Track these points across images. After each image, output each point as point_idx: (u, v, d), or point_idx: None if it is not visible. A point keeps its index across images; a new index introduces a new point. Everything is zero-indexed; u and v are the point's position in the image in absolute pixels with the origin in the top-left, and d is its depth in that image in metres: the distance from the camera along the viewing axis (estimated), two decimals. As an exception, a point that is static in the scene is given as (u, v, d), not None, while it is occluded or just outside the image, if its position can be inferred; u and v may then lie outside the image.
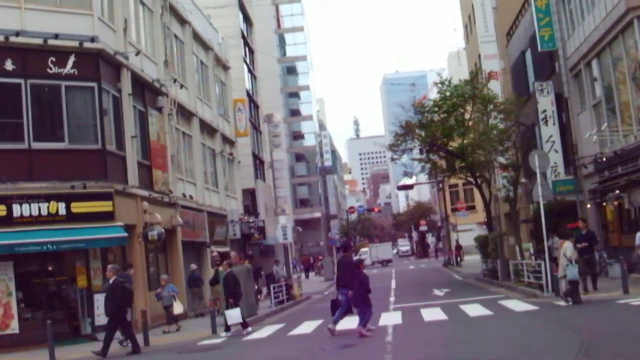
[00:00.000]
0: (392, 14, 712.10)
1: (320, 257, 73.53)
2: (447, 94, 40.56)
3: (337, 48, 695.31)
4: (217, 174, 44.58)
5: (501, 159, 40.10)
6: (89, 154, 27.14)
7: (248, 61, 63.46)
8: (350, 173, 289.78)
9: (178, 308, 27.46)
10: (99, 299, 26.10)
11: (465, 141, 39.44)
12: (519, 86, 44.00)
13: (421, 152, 45.68)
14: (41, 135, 26.34)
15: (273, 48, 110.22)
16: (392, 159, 43.70)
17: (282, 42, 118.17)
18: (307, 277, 76.39)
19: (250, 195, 56.68)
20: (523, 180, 39.74)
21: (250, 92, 62.42)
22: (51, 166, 26.20)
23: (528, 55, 41.90)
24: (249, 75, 63.16)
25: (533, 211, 39.86)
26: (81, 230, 25.81)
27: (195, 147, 39.71)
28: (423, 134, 41.49)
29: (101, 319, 26.01)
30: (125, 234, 26.71)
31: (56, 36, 26.29)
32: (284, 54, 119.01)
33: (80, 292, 26.92)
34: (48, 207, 25.58)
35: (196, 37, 42.47)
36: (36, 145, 25.98)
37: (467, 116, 41.23)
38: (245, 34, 63.97)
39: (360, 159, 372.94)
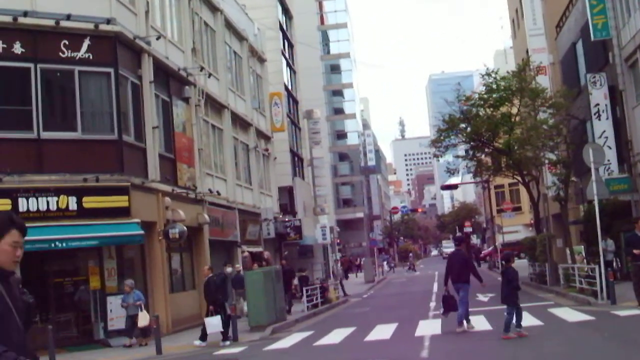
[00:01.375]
0: (438, 12, 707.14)
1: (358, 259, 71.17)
2: (494, 86, 38.08)
3: (382, 47, 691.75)
4: (250, 170, 42.48)
5: (551, 156, 37.47)
6: (104, 145, 25.14)
7: (287, 55, 61.25)
8: (395, 174, 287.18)
9: (144, 319, 23.55)
10: (113, 302, 24.18)
11: (512, 136, 36.92)
12: (569, 80, 41.42)
13: (466, 152, 43.24)
14: (52, 124, 24.41)
15: (316, 44, 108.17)
16: (435, 156, 41.37)
17: (325, 39, 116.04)
18: (346, 278, 74.15)
19: (287, 193, 54.47)
20: (573, 179, 37.17)
21: (289, 87, 60.24)
22: (62, 158, 24.27)
23: (579, 47, 39.34)
24: (288, 69, 60.94)
25: (584, 212, 37.26)
26: (93, 226, 23.83)
27: (226, 141, 37.63)
28: (468, 129, 39.03)
29: (114, 323, 24.20)
30: (142, 232, 24.64)
31: (68, 17, 24.25)
32: (328, 52, 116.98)
33: (93, 294, 24.85)
34: (57, 202, 23.60)
35: (229, 26, 40.41)
36: (46, 134, 24.02)
37: (514, 111, 38.78)
38: (285, 27, 61.75)
39: (406, 159, 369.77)
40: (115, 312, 24.12)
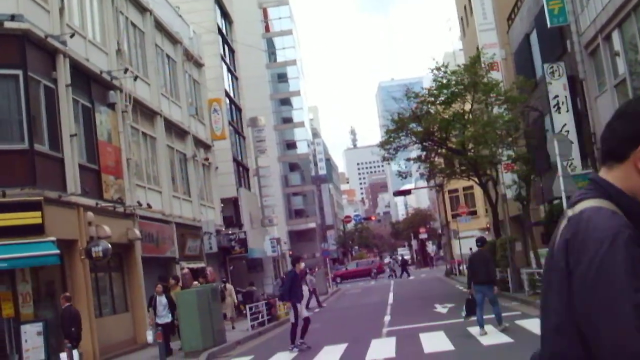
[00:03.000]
0: (381, 21, 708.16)
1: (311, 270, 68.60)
2: (444, 81, 35.93)
3: (329, 57, 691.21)
4: (189, 181, 39.84)
5: (509, 153, 35.31)
6: (13, 155, 22.38)
7: (228, 60, 58.69)
8: (347, 183, 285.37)
9: None
10: (28, 331, 21.34)
11: (466, 134, 34.76)
12: (524, 73, 39.16)
13: (418, 157, 41.05)
14: (-49, 133, 21.65)
15: (260, 53, 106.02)
16: (385, 159, 38.97)
17: (271, 47, 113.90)
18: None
19: (232, 205, 51.87)
20: (532, 178, 35.08)
21: (231, 94, 57.66)
22: (-36, 171, 21.51)
23: (533, 38, 37.28)
24: (229, 75, 58.37)
25: (545, 212, 35.18)
26: (1, 247, 21.03)
27: (160, 150, 35.01)
28: (418, 128, 36.83)
29: (30, 355, 21.26)
30: (58, 251, 21.89)
31: (-36, 13, 21.59)
32: (275, 60, 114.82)
33: (7, 323, 22.02)
34: (-41, 221, 20.84)
35: (160, 27, 37.80)
36: (-56, 145, 21.29)
37: (467, 107, 36.69)
38: (224, 31, 59.19)
39: (359, 168, 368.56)
40: (32, 342, 21.26)
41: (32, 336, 21.19)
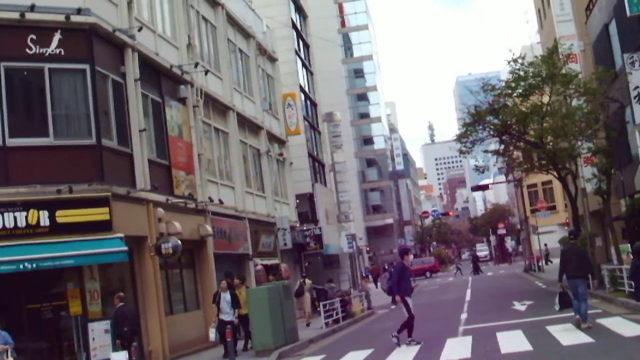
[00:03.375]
0: (459, 15, 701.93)
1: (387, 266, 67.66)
2: (521, 73, 34.76)
3: (406, 52, 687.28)
4: (262, 177, 39.37)
5: (589, 145, 34.01)
6: (81, 151, 22.09)
7: (302, 55, 58.13)
8: (425, 178, 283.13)
9: None
10: (96, 329, 21.04)
11: (544, 125, 33.57)
12: (603, 65, 37.88)
13: (497, 151, 39.87)
14: (19, 129, 21.41)
15: (336, 48, 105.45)
16: (461, 152, 37.95)
17: (346, 42, 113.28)
18: (376, 286, 71.03)
19: (307, 200, 51.30)
20: (612, 171, 33.71)
21: (306, 89, 57.08)
22: (32, 167, 21.29)
23: (612, 28, 35.83)
24: (304, 70, 57.78)
25: (626, 206, 33.80)
26: (68, 244, 20.78)
27: (232, 145, 34.57)
28: (495, 121, 35.74)
29: (98, 353, 20.96)
30: (125, 248, 21.49)
31: (32, 8, 21.34)
32: (351, 55, 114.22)
33: (75, 320, 21.72)
34: (27, 217, 20.60)
35: (232, 22, 37.39)
36: (13, 141, 21.06)
37: (545, 100, 35.48)
38: (299, 26, 58.64)
39: (436, 164, 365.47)
40: (99, 341, 20.95)
41: (99, 334, 20.93)
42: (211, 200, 29.26)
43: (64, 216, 21.08)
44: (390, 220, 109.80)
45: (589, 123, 32.82)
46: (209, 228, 28.72)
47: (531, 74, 34.49)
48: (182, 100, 28.98)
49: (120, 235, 21.77)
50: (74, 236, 21.03)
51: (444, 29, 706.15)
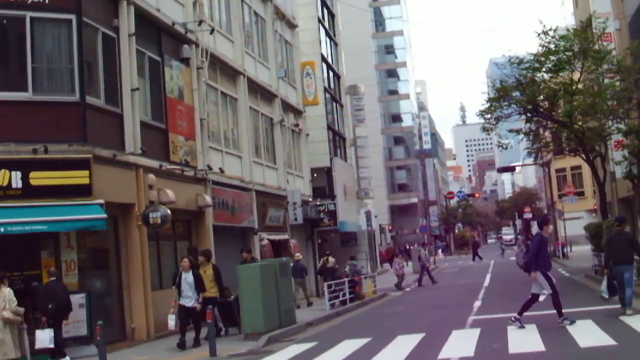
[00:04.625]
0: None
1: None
2: (552, 47, 32.55)
3: (440, 33, 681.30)
4: (275, 147, 37.39)
5: (620, 126, 31.75)
6: (62, 108, 20.22)
7: (327, 25, 55.87)
8: (454, 159, 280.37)
9: None
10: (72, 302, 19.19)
11: (574, 103, 31.37)
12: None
13: (526, 132, 37.73)
14: (-6, 81, 19.60)
15: (366, 23, 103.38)
16: (484, 129, 35.86)
17: (378, 16, 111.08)
18: (391, 267, 69.34)
19: (325, 175, 49.25)
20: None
21: (329, 59, 54.85)
22: (7, 123, 19.46)
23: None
24: (328, 39, 55.48)
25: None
26: (42, 208, 19.01)
27: (241, 112, 32.60)
28: (522, 97, 33.58)
29: (71, 329, 19.20)
30: (104, 215, 19.63)
31: (11, -52, 19.45)
32: (383, 29, 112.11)
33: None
34: (-3, 178, 18.82)
35: (247, -18, 35.32)
36: (-14, 95, 19.25)
37: (575, 77, 33.30)
38: (323, -8, 56.24)
39: (467, 145, 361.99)
40: (73, 315, 19.15)
41: (73, 308, 19.06)
42: (210, 168, 27.26)
43: (39, 178, 19.29)
44: (415, 200, 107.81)
45: (621, 102, 30.61)
46: (207, 198, 26.83)
47: (562, 48, 32.30)
48: (185, 61, 27.02)
49: (101, 201, 19.93)
50: (49, 200, 19.25)
51: (478, 9, 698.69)
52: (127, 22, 22.75)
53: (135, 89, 22.71)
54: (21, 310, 16.45)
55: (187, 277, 20.00)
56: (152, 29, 25.03)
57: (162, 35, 25.73)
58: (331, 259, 35.42)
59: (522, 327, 16.95)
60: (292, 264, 31.86)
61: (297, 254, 34.11)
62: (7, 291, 16.21)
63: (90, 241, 21.50)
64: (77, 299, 19.35)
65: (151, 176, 23.03)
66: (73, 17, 20.39)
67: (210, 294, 20.84)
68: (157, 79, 25.01)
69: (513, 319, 17.25)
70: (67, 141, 19.76)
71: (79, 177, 19.72)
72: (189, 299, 19.94)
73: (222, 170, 28.25)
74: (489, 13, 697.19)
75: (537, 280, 17.57)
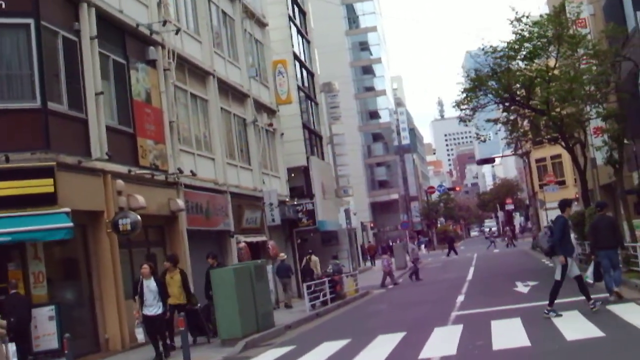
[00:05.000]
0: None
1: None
2: (525, 34, 32.12)
3: (415, 29, 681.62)
4: (249, 148, 36.78)
5: (599, 110, 31.31)
6: (23, 116, 19.55)
7: (298, 22, 55.28)
8: (434, 154, 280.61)
9: None
10: (38, 315, 18.62)
11: (550, 89, 30.93)
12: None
13: (498, 120, 37.29)
14: (-50, 90, 18.94)
15: (339, 20, 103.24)
16: (461, 120, 35.40)
17: (351, 14, 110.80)
18: (373, 264, 69.25)
19: (303, 174, 48.68)
20: (625, 141, 31.05)
21: (302, 57, 54.24)
22: (-35, 133, 18.80)
23: (625, -12, 33.16)
24: (300, 37, 54.88)
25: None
26: (5, 219, 18.31)
27: (212, 113, 31.97)
28: (497, 86, 33.14)
29: (41, 342, 18.60)
30: (70, 224, 18.95)
31: (-38, -49, 18.78)
32: (357, 26, 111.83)
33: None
34: (-42, 189, 18.16)
35: (213, -20, 34.67)
36: (-57, 104, 18.60)
37: (551, 63, 32.89)
38: (292, -10, 55.60)
39: (446, 140, 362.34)
40: (43, 329, 18.58)
41: (43, 321, 18.59)
42: (181, 171, 26.65)
43: (1, 188, 18.61)
44: (395, 196, 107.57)
45: (599, 85, 30.19)
46: (180, 202, 26.21)
47: (536, 35, 31.87)
48: (152, 63, 26.40)
49: (67, 210, 19.27)
50: (13, 211, 18.57)
51: (453, 2, 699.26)
52: (88, 24, 22.10)
53: (99, 93, 22.07)
54: (4, 322, 15.95)
55: (150, 285, 18.84)
56: (115, 31, 24.40)
57: (127, 37, 25.09)
58: (314, 258, 34.98)
59: (559, 315, 16.31)
60: (276, 264, 32.92)
61: (282, 254, 34.02)
62: None
63: (58, 251, 20.88)
64: (47, 312, 18.80)
65: (120, 182, 22.41)
66: (31, 21, 19.76)
67: (179, 300, 20.18)
68: (123, 82, 24.38)
69: (546, 312, 16.58)
70: (29, 149, 19.11)
71: (43, 185, 19.08)
72: (153, 307, 18.75)
73: (193, 173, 27.60)
74: (465, 6, 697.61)
75: (563, 264, 16.74)
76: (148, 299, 18.71)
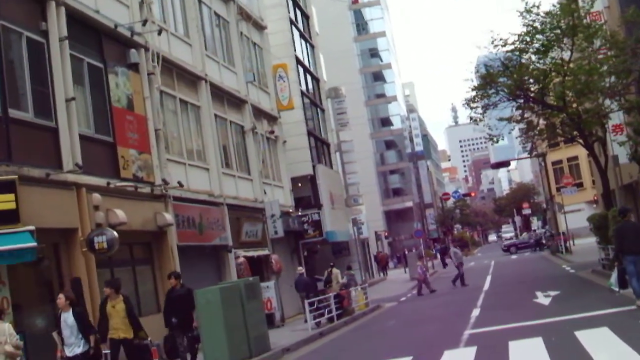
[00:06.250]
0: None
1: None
2: (537, 25, 30.04)
3: (428, 35, 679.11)
4: (248, 157, 34.78)
5: (621, 103, 29.12)
6: (-21, 125, 17.62)
7: (301, 26, 53.29)
8: (449, 160, 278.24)
9: None
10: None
11: (566, 83, 28.83)
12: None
13: (511, 118, 35.16)
14: None
15: (347, 26, 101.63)
16: (471, 119, 33.30)
17: (359, 19, 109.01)
18: (385, 275, 67.26)
19: (310, 183, 46.66)
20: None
21: (305, 62, 52.25)
22: None
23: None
24: (302, 41, 52.86)
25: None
26: (-42, 241, 16.35)
27: (205, 120, 29.98)
28: (509, 82, 31.05)
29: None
30: (34, 244, 16.93)
31: None
32: (366, 32, 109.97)
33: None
34: None
35: (204, -20, 32.74)
36: None
37: (565, 56, 30.83)
38: (295, -5, 53.71)
39: (461, 146, 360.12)
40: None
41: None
42: (166, 182, 24.62)
43: (-45, 206, 16.65)
44: (410, 204, 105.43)
45: (619, 76, 28.04)
46: (168, 216, 24.15)
47: (549, 26, 29.78)
48: (134, 67, 24.43)
49: (31, 228, 17.23)
50: (-33, 231, 16.60)
51: (465, 7, 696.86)
52: (57, 25, 20.10)
53: (70, 99, 20.08)
54: (21, 344, 14.65)
55: (67, 319, 15.70)
56: (90, 32, 22.45)
57: (104, 39, 23.10)
58: (335, 270, 33.08)
59: None
60: (295, 278, 33.10)
61: (299, 268, 33.58)
62: (7, 326, 14.21)
63: (26, 274, 18.81)
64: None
65: (96, 195, 20.41)
66: (-11, 21, 17.83)
67: (124, 334, 17.02)
68: (100, 87, 22.41)
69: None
70: (-13, 162, 17.15)
71: (3, 201, 17.05)
72: (73, 347, 15.63)
73: (181, 184, 25.57)
74: (476, 8, 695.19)
75: None
76: (66, 336, 15.72)
